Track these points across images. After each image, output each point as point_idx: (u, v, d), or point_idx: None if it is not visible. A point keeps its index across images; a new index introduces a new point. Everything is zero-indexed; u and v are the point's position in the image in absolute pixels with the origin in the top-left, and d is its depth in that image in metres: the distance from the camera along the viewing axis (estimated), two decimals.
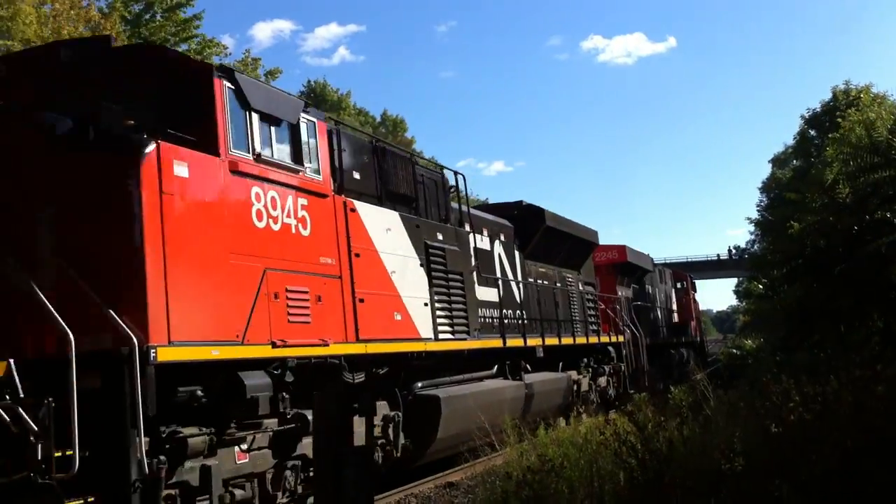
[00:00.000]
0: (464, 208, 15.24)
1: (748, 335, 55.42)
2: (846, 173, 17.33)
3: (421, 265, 12.53)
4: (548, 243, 19.03)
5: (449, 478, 13.20)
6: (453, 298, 13.35)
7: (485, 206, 21.13)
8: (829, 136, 37.35)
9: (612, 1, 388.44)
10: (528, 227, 18.25)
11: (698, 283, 50.67)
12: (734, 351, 41.43)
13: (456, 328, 13.28)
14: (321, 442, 7.02)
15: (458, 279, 13.66)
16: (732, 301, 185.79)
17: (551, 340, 17.86)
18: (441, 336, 12.71)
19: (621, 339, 23.06)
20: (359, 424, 10.80)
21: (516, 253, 17.51)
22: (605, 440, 8.70)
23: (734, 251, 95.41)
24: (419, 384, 12.53)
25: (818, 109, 53.56)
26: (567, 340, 18.85)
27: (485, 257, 15.62)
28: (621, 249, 27.08)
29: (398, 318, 11.52)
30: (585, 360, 20.66)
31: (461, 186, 15.17)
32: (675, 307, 36.26)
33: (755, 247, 69.38)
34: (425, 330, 12.24)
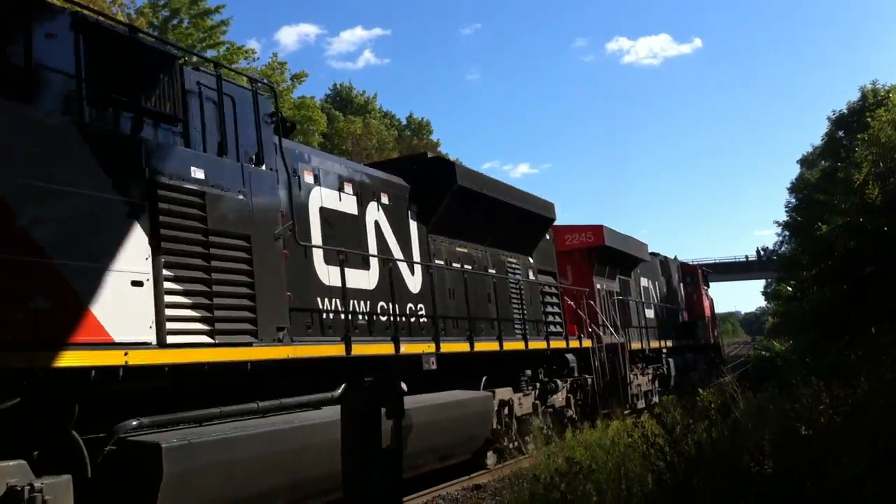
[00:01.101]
0: (294, 147, 11.05)
1: (777, 337, 55.00)
2: (875, 174, 17.23)
3: (133, 216, 7.55)
4: (467, 214, 14.17)
5: (475, 480, 13.20)
6: (223, 277, 8.34)
7: (379, 163, 15.66)
8: (858, 136, 37.01)
9: (637, 2, 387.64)
10: (436, 189, 13.42)
11: (726, 285, 49.24)
12: (763, 353, 41.00)
13: (224, 326, 8.24)
14: (349, 442, 7.05)
15: (237, 246, 8.59)
16: (761, 303, 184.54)
17: (454, 346, 12.81)
18: (177, 339, 7.71)
19: (587, 343, 18.21)
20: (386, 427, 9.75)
21: (413, 224, 12.95)
22: (633, 442, 8.68)
23: (762, 252, 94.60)
24: (134, 422, 7.39)
25: (845, 111, 53.06)
26: (490, 346, 13.95)
27: (345, 224, 11.25)
28: (597, 231, 21.58)
29: (43, 305, 6.53)
30: (530, 371, 15.81)
31: (264, 107, 9.87)
32: (682, 304, 32.00)
33: (784, 248, 68.73)
34: (129, 327, 7.25)
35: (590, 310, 19.61)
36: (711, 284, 40.83)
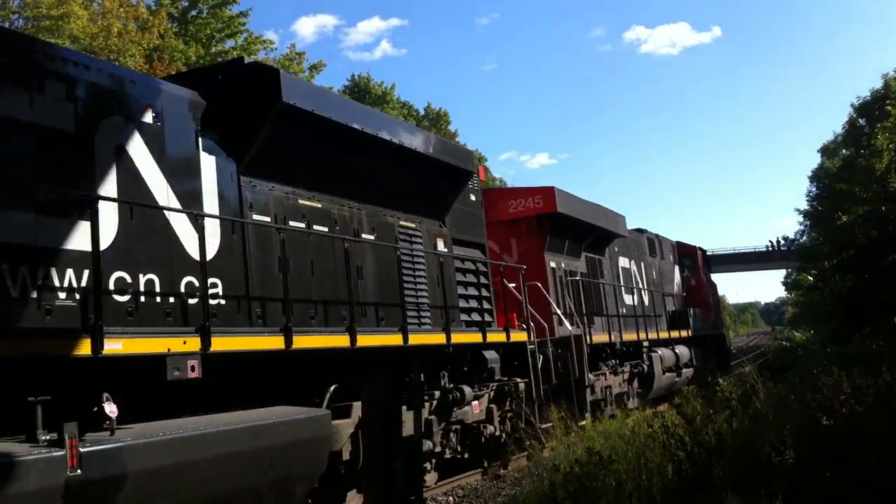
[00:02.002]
0: None
1: (798, 327, 54.77)
2: None
3: None
4: (315, 151, 10.07)
5: (495, 471, 13.21)
6: None
7: (169, 77, 11.14)
8: (879, 125, 36.66)
9: None
10: (251, 110, 9.21)
11: (746, 275, 47.31)
12: (783, 343, 40.79)
13: None
14: (371, 434, 7.08)
15: None
16: (781, 293, 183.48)
17: (243, 341, 8.17)
18: None
19: (521, 336, 13.69)
20: (407, 419, 9.66)
21: (208, 159, 8.75)
22: (652, 433, 8.67)
23: (783, 242, 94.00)
24: None
25: (868, 98, 52.64)
26: (332, 341, 9.19)
27: (52, 147, 7.19)
28: (547, 194, 17.11)
29: None
30: (423, 376, 11.18)
31: None
32: (677, 290, 27.19)
33: (804, 237, 68.30)
34: None
35: (536, 294, 15.20)
36: (731, 275, 39.35)
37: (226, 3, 34.79)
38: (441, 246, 12.63)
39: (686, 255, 29.28)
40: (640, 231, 24.57)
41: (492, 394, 13.03)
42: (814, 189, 67.62)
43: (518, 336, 13.56)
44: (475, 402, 12.42)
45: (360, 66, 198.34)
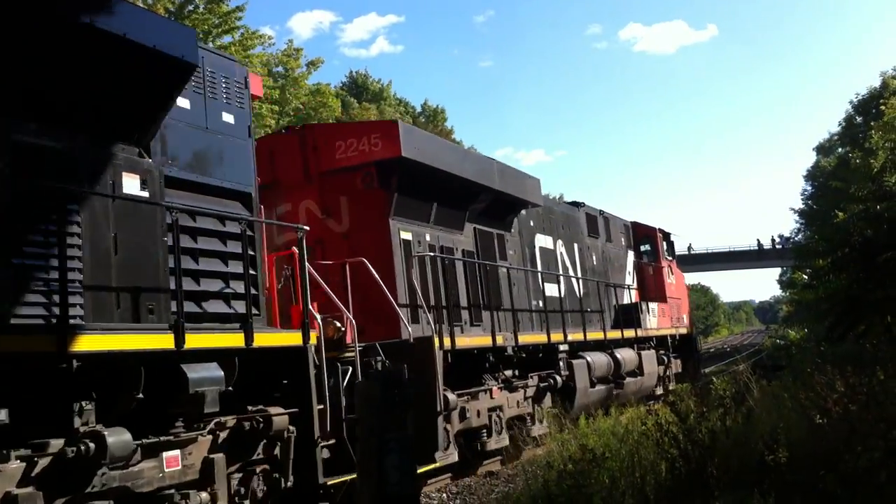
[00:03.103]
0: None
1: (792, 325, 54.87)
2: (893, 161, 17.12)
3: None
4: None
5: (489, 467, 13.23)
6: None
7: None
8: (873, 123, 36.71)
9: None
10: None
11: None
12: (777, 341, 40.86)
13: None
14: (364, 428, 7.08)
15: None
16: (776, 291, 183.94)
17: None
18: None
19: (286, 339, 8.85)
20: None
21: None
22: (646, 431, 8.69)
23: (777, 240, 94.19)
24: None
25: (866, 96, 52.75)
26: None
27: None
28: (388, 131, 12.24)
29: None
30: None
31: None
32: (629, 280, 22.68)
33: (799, 236, 68.44)
34: None
35: (364, 277, 10.93)
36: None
37: None
38: (132, 186, 7.54)
39: (644, 238, 24.53)
40: (575, 205, 20.44)
41: (219, 436, 7.93)
42: (809, 188, 67.77)
43: (280, 339, 8.72)
44: (168, 455, 7.33)
45: (357, 62, 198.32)
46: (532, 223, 17.05)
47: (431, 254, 12.70)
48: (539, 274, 16.69)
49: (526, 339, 14.35)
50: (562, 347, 15.58)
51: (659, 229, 24.86)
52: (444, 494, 11.35)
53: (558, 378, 15.07)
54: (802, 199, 68.29)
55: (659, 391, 21.57)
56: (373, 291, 10.97)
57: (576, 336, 16.36)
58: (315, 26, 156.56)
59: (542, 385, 14.74)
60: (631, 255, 23.43)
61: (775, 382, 13.59)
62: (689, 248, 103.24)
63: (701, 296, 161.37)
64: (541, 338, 14.99)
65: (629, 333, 19.47)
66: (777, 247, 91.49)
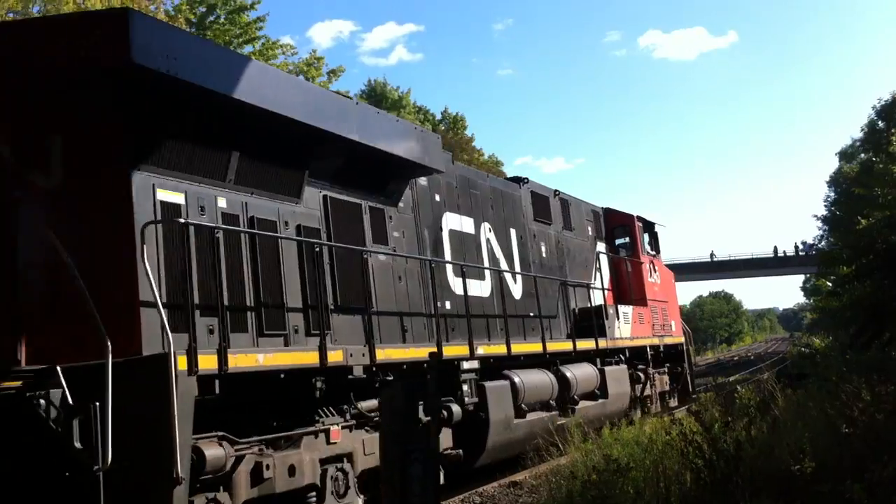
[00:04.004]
0: None
1: (816, 333, 54.48)
2: None
3: None
4: None
5: (513, 477, 13.19)
6: None
7: None
8: (894, 130, 36.46)
9: None
10: None
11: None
12: (802, 349, 40.54)
13: None
14: (388, 440, 7.09)
15: None
16: (799, 298, 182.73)
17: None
18: None
19: None
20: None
21: None
22: (671, 440, 8.65)
23: (801, 247, 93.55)
24: None
25: (889, 100, 52.33)
26: None
27: None
28: (113, 28, 7.34)
29: None
30: None
31: None
32: (597, 278, 18.12)
33: (823, 243, 67.92)
34: None
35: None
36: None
37: (243, 8, 34.95)
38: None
39: (619, 228, 20.45)
40: (516, 181, 16.39)
41: None
42: (832, 194, 67.26)
43: None
44: None
45: (376, 71, 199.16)
46: (438, 198, 12.94)
47: (204, 223, 8.11)
48: (449, 266, 12.64)
49: (394, 354, 10.27)
50: (466, 365, 11.47)
51: (637, 217, 20.58)
52: None
53: (455, 408, 10.59)
54: (825, 206, 67.76)
55: (636, 415, 17.49)
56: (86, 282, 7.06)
57: (492, 349, 12.41)
58: (335, 36, 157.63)
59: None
60: (602, 249, 19.19)
61: (800, 391, 13.50)
62: (712, 255, 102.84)
63: (724, 303, 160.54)
64: (415, 353, 10.56)
65: (585, 344, 15.47)
66: (800, 253, 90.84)
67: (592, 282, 17.85)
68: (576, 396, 14.78)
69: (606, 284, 18.41)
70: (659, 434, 10.03)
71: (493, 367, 12.53)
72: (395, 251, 11.41)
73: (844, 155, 68.16)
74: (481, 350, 11.98)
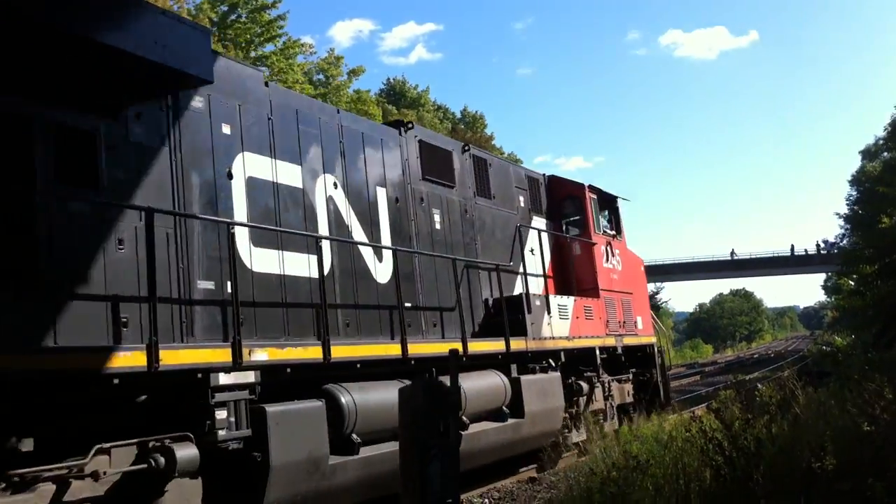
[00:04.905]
0: None
1: (838, 331, 54.10)
2: None
3: None
4: None
5: (531, 473, 13.21)
6: None
7: None
8: None
9: None
10: None
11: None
12: (823, 348, 40.27)
13: None
14: (406, 435, 7.11)
15: None
16: (821, 297, 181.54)
17: None
18: None
19: None
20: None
21: None
22: (690, 437, 8.63)
23: (822, 245, 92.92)
24: None
25: None
26: None
27: None
28: None
29: None
30: None
31: None
32: (531, 261, 14.68)
33: (845, 241, 67.45)
34: None
35: None
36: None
37: (264, 7, 35.10)
38: None
39: (567, 201, 16.71)
40: (396, 125, 12.58)
41: None
42: (854, 193, 66.81)
43: None
44: None
45: (396, 70, 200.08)
46: (228, 130, 9.17)
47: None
48: (242, 231, 8.96)
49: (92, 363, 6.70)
50: (224, 379, 7.85)
51: (590, 187, 16.82)
52: (487, 500, 11.36)
53: (185, 453, 7.17)
54: (847, 204, 67.31)
55: (575, 437, 14.27)
56: None
57: (291, 353, 8.69)
58: (354, 35, 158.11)
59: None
60: (540, 225, 15.66)
61: (822, 389, 13.43)
62: (732, 253, 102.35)
63: (744, 301, 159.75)
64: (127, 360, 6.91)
65: (485, 346, 12.06)
66: (822, 252, 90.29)
67: (519, 265, 14.11)
68: (464, 418, 10.76)
69: (544, 270, 14.68)
70: (679, 431, 10.00)
71: (316, 379, 9.11)
72: (114, 198, 7.63)
73: (867, 153, 67.74)
74: (261, 355, 8.23)
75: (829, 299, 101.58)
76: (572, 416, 14.38)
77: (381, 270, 11.12)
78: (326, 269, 9.97)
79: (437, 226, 12.75)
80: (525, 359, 13.14)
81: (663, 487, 7.65)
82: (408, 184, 12.25)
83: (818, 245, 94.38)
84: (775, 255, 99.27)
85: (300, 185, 10.05)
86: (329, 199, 10.53)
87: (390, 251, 11.18)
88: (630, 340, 17.09)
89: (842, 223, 69.21)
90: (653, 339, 18.47)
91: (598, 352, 15.38)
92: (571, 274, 15.79)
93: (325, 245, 10.05)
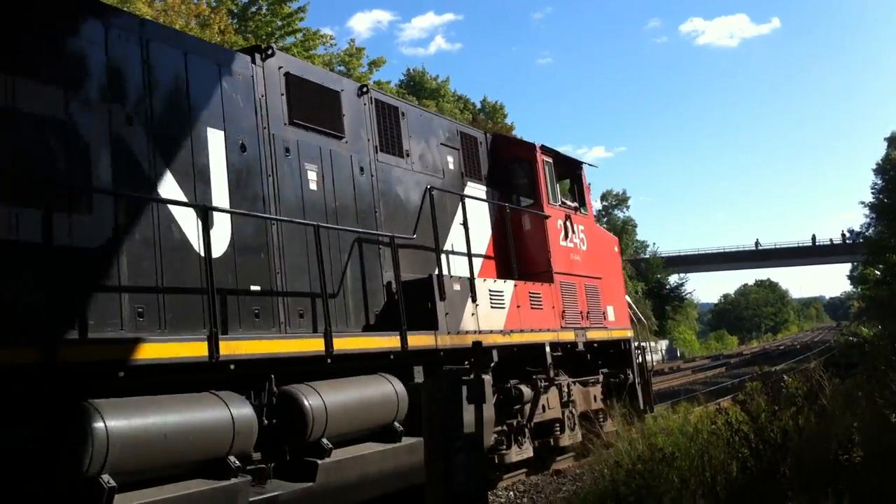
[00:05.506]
0: None
1: (864, 322, 53.75)
2: None
3: None
4: None
5: (556, 465, 13.18)
6: None
7: None
8: None
9: None
10: None
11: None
12: (849, 338, 39.93)
13: None
14: (431, 428, 7.10)
15: None
16: (847, 287, 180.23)
17: None
18: None
19: None
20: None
21: None
22: (716, 430, 8.57)
23: (847, 235, 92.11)
24: None
25: None
26: None
27: None
28: None
29: None
30: None
31: None
32: (453, 237, 11.86)
33: (870, 230, 66.80)
34: None
35: None
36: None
37: None
38: None
39: (514, 165, 13.85)
40: (251, 51, 9.54)
41: None
42: (879, 181, 66.09)
43: None
44: None
45: (415, 61, 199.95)
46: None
47: None
48: None
49: None
50: None
51: (542, 148, 13.89)
52: (512, 493, 11.35)
53: None
54: (872, 193, 66.60)
55: (514, 456, 11.68)
56: None
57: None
58: (373, 26, 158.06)
59: None
60: (477, 193, 12.93)
61: (848, 380, 13.30)
62: (757, 243, 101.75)
63: (769, 292, 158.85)
64: None
65: (360, 343, 9.15)
66: (847, 241, 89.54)
67: (448, 241, 11.69)
68: (324, 441, 8.01)
69: (468, 247, 11.46)
70: (704, 423, 9.94)
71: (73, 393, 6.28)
72: None
73: (893, 141, 66.97)
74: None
75: (855, 289, 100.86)
76: (511, 430, 11.61)
77: (218, 239, 8.18)
78: (103, 237, 7.22)
79: (313, 186, 9.74)
80: (438, 359, 10.04)
81: (689, 480, 7.60)
82: (263, 128, 9.23)
83: (843, 234, 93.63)
84: (799, 245, 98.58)
85: (64, 118, 7.12)
86: (117, 139, 7.55)
87: (228, 216, 8.40)
88: (597, 335, 14.22)
89: (867, 212, 68.47)
90: (628, 334, 15.60)
91: (548, 349, 12.55)
92: (516, 253, 12.78)
93: (108, 203, 7.31)
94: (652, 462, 7.70)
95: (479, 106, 64.70)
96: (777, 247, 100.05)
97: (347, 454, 8.41)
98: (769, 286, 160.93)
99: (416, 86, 58.98)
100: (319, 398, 8.03)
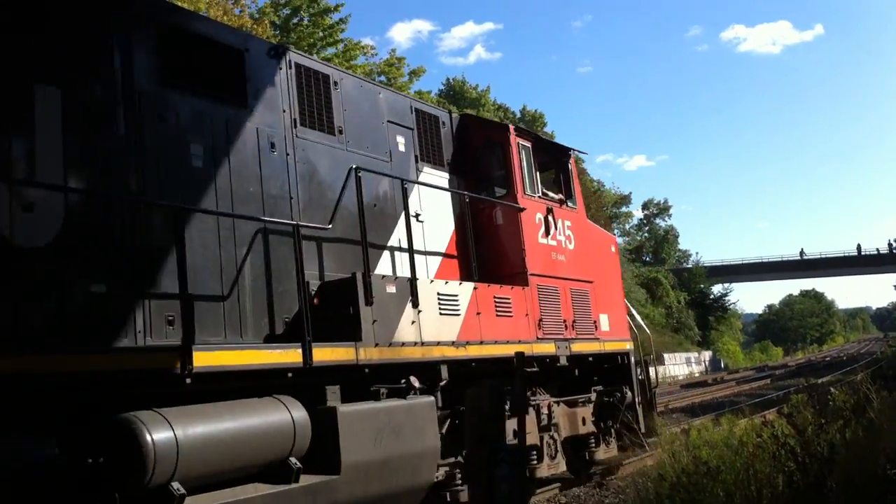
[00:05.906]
0: None
1: None
2: None
3: None
4: None
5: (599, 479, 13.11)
6: None
7: None
8: None
9: None
10: None
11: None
12: None
13: None
14: (473, 439, 7.10)
15: None
16: (893, 297, 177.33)
17: None
18: None
19: None
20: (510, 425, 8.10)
21: None
22: (762, 443, 8.48)
23: (893, 245, 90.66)
24: None
25: None
26: None
27: None
28: None
29: None
30: None
31: None
32: (400, 231, 9.80)
33: None
34: None
35: None
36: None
37: (327, 10, 35.43)
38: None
39: (486, 149, 12.00)
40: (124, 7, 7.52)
41: None
42: None
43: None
44: None
45: (455, 70, 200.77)
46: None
47: None
48: None
49: None
50: None
51: (518, 130, 12.20)
52: None
53: None
54: None
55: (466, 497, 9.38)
56: None
57: None
58: (413, 36, 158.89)
59: None
60: (437, 181, 11.19)
61: None
62: (802, 253, 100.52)
63: (815, 302, 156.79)
64: None
65: (241, 358, 7.06)
66: (894, 252, 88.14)
67: (389, 236, 10.03)
68: (174, 486, 6.07)
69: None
70: (749, 436, 9.83)
71: None
72: None
73: None
74: None
75: None
76: (453, 465, 9.59)
77: (32, 228, 6.29)
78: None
79: (198, 163, 7.87)
80: (362, 377, 8.28)
81: (734, 494, 7.52)
82: (121, 88, 7.32)
83: (890, 244, 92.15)
84: (845, 254, 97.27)
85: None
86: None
87: (61, 195, 6.52)
88: (584, 347, 12.24)
89: None
90: (626, 346, 13.65)
91: (533, 363, 10.92)
92: (485, 252, 11.17)
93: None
94: (696, 475, 7.62)
95: (518, 115, 64.74)
96: (822, 256, 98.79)
97: (216, 500, 6.47)
98: (814, 296, 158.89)
99: (457, 95, 59.17)
100: (168, 428, 6.13)
